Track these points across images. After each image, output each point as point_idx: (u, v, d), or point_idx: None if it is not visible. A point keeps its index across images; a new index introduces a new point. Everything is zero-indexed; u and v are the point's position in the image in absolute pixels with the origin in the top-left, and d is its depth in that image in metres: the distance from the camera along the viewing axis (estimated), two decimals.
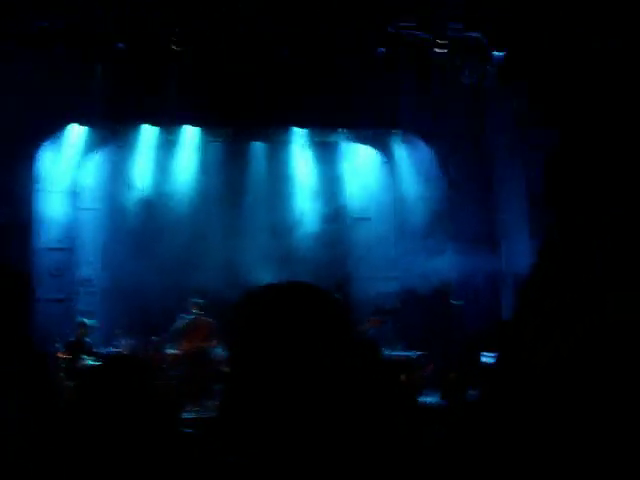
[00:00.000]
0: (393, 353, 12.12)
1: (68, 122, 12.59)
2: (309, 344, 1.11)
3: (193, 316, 10.95)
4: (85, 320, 11.77)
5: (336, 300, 1.21)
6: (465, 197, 13.17)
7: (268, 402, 1.09)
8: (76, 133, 13.15)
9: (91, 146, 13.45)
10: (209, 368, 10.66)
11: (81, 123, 12.88)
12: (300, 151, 14.46)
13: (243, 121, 12.86)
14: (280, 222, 13.85)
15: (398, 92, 12.88)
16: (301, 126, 13.68)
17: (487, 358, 11.68)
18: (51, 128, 12.36)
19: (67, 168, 13.22)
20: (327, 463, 1.06)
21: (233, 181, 13.97)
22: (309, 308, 1.21)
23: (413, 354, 11.89)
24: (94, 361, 10.98)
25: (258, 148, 14.30)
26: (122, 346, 11.96)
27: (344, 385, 1.07)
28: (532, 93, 12.27)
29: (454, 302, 12.74)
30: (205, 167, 13.85)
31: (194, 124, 13.32)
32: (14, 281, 1.76)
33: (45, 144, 12.45)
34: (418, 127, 13.36)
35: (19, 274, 1.82)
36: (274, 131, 13.94)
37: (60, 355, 11.09)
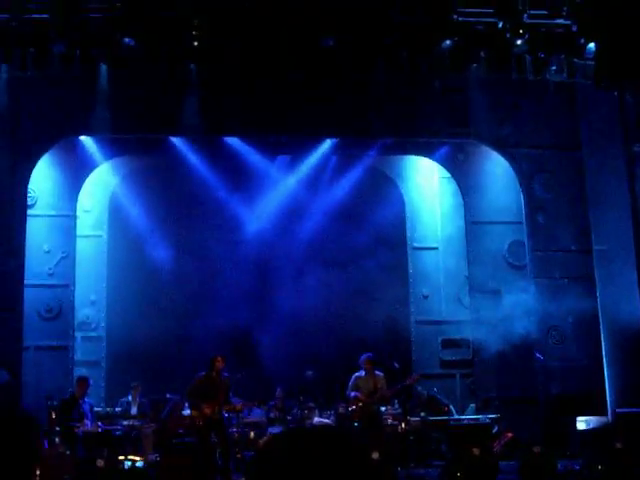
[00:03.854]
0: (462, 417, 11.52)
1: (67, 135, 11.35)
2: None
3: (210, 373, 9.35)
4: (85, 376, 10.25)
5: (356, 447, 2.17)
6: (553, 221, 12.24)
7: None
8: (77, 147, 11.86)
9: (93, 163, 12.17)
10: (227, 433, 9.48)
11: (83, 135, 11.65)
12: (341, 166, 12.95)
13: (274, 130, 11.57)
14: (329, 254, 12.51)
15: (467, 93, 11.75)
16: (343, 135, 12.16)
17: (583, 424, 11.01)
18: (46, 142, 11.14)
19: (65, 188, 11.99)
20: None
21: (262, 200, 12.70)
22: (328, 456, 2.27)
23: (486, 418, 11.11)
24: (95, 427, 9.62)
25: (289, 162, 12.82)
26: (132, 405, 10.57)
27: None
28: (636, 91, 11.85)
29: (538, 355, 11.74)
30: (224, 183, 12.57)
31: (215, 134, 11.99)
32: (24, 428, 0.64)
33: (39, 161, 11.21)
34: (493, 135, 12.24)
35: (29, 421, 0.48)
36: (307, 142, 12.52)
37: (53, 416, 9.45)
